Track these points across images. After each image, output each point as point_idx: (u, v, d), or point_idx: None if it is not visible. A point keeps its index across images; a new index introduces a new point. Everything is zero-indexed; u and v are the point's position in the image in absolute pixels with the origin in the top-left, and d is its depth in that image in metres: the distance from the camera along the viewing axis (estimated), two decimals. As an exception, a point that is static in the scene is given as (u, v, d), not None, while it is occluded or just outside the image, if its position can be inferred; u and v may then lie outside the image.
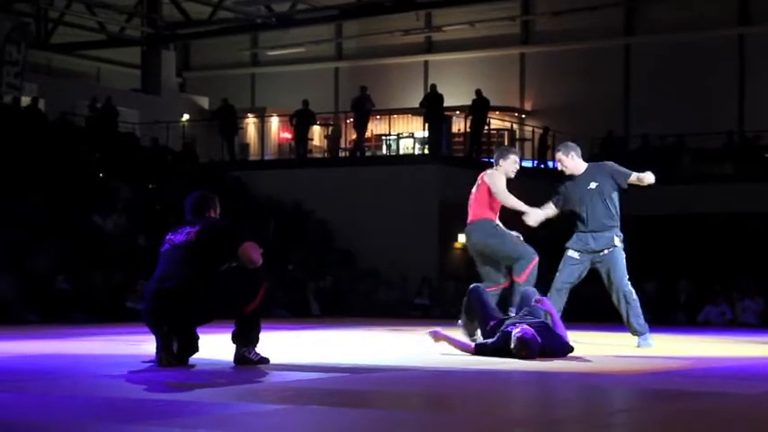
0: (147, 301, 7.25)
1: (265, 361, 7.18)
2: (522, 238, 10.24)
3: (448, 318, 19.85)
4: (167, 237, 7.29)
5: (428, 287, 21.67)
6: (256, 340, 7.19)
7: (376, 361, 8.14)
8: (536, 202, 10.29)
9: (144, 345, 9.69)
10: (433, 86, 25.37)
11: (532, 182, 23.97)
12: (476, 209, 10.23)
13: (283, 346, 9.74)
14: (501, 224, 10.30)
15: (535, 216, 10.10)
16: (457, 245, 23.36)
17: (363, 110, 24.90)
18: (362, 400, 5.69)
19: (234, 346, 7.20)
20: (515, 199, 10.10)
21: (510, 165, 10.23)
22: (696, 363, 8.53)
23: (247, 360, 7.11)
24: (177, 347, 7.10)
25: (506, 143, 29.05)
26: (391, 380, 6.87)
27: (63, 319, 15.64)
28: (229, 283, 7.03)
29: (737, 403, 5.69)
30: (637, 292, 9.91)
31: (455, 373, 7.21)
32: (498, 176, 10.16)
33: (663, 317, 18.97)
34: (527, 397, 6.08)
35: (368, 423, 4.76)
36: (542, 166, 26.67)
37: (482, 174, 10.31)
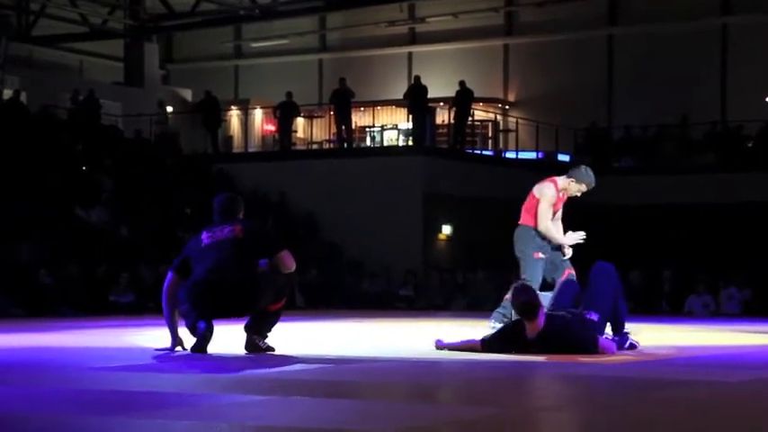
0: (198, 288, 7.49)
1: (272, 349, 7.61)
2: (565, 252, 10.10)
3: (432, 309, 19.93)
4: (204, 234, 7.68)
5: (413, 278, 21.68)
6: (267, 332, 7.69)
7: (361, 352, 8.15)
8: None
9: (127, 337, 9.69)
10: (417, 78, 25.35)
11: (518, 171, 24.08)
12: (523, 213, 10.21)
13: (268, 337, 9.73)
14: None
15: (569, 240, 10.11)
16: (441, 236, 23.38)
17: (346, 101, 24.86)
18: (347, 390, 5.70)
19: (245, 334, 7.63)
20: (552, 227, 10.02)
21: (575, 188, 10.12)
22: (679, 352, 8.58)
23: (257, 347, 7.56)
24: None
25: (490, 134, 29.13)
26: (376, 370, 6.88)
27: (48, 312, 15.59)
28: (270, 283, 7.58)
29: (720, 391, 5.72)
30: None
31: (441, 364, 7.23)
32: (549, 194, 10.03)
33: (647, 306, 19.05)
34: (512, 386, 6.10)
35: (353, 414, 4.77)
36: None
37: (543, 182, 10.16)
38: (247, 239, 7.56)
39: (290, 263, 7.61)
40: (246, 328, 7.65)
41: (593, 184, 10.14)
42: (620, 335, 7.98)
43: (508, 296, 10.01)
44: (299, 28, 32.10)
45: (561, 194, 10.20)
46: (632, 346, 8.02)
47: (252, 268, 7.55)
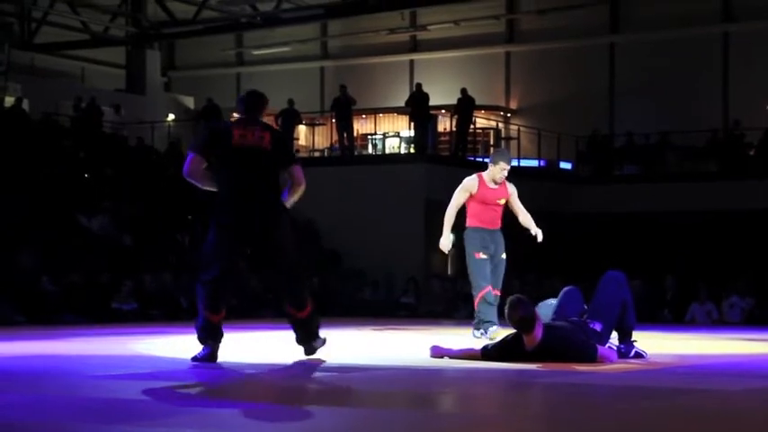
0: (227, 233, 7.48)
1: (324, 341, 7.88)
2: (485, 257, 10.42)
3: (434, 317, 19.91)
4: (235, 129, 7.54)
5: (414, 286, 21.66)
6: (317, 332, 7.86)
7: (363, 360, 8.14)
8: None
9: (130, 345, 9.69)
10: (419, 85, 25.36)
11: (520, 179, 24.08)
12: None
13: (270, 345, 9.74)
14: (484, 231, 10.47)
15: (442, 243, 10.66)
16: (443, 244, 23.33)
17: (347, 109, 24.87)
18: (350, 399, 5.70)
19: (301, 347, 7.84)
20: (449, 218, 10.56)
21: (497, 170, 10.49)
22: (681, 360, 8.57)
23: (313, 349, 7.79)
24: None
25: (492, 142, 29.12)
26: (379, 379, 6.88)
27: (50, 319, 15.58)
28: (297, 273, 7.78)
29: (720, 399, 5.72)
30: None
31: (444, 372, 7.22)
32: (465, 183, 10.58)
33: (649, 315, 19.02)
34: (512, 395, 6.10)
35: (355, 422, 4.77)
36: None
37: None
38: (273, 150, 7.54)
39: (301, 177, 7.70)
40: (298, 342, 7.82)
41: (507, 159, 10.70)
42: (627, 343, 7.94)
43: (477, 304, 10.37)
44: (301, 35, 32.14)
45: (495, 186, 10.60)
46: (638, 355, 7.97)
47: (278, 189, 7.58)
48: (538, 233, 10.72)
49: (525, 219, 10.88)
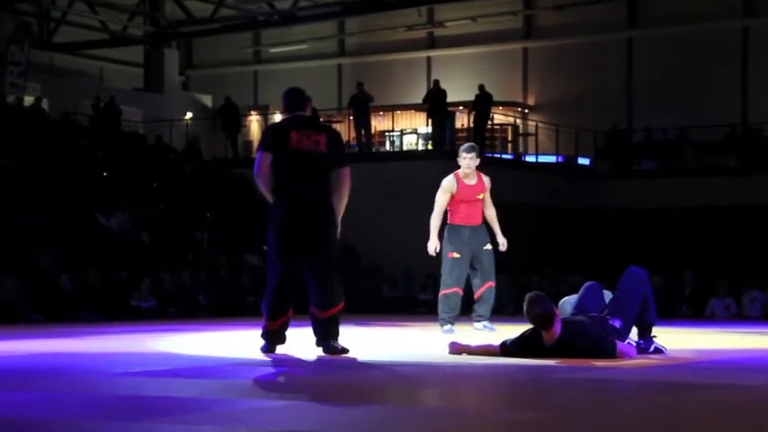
0: (285, 236, 7.74)
1: (346, 350, 7.78)
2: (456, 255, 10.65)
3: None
4: (292, 131, 7.71)
5: (433, 283, 21.63)
6: (337, 334, 7.86)
7: (382, 357, 8.14)
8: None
9: (149, 342, 9.71)
10: (436, 82, 25.34)
11: (538, 175, 24.04)
12: None
13: (288, 342, 9.75)
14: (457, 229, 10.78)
15: (429, 246, 10.94)
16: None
17: (364, 106, 24.87)
18: (367, 395, 5.70)
19: (324, 350, 7.85)
20: (435, 222, 10.83)
21: (463, 165, 10.69)
22: (700, 355, 8.54)
23: (334, 349, 7.75)
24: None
25: (510, 138, 29.07)
26: (399, 375, 6.87)
27: (69, 317, 15.65)
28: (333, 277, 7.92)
29: (741, 395, 5.69)
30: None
31: (462, 368, 7.21)
32: (442, 185, 10.81)
33: (668, 310, 18.95)
34: (532, 391, 6.08)
35: (373, 419, 4.76)
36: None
37: None
38: (328, 152, 7.71)
39: (348, 180, 7.89)
40: (318, 343, 7.86)
41: (466, 148, 10.89)
42: (647, 339, 7.92)
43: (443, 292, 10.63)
44: (318, 33, 32.15)
45: (471, 182, 10.77)
46: (658, 351, 7.95)
47: (329, 192, 7.75)
48: (503, 243, 10.95)
49: (491, 216, 11.05)
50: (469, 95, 25.50)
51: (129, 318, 16.15)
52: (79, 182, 20.59)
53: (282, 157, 7.66)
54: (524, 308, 7.35)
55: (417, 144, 27.61)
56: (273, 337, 7.90)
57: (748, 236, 22.50)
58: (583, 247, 22.59)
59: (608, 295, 7.85)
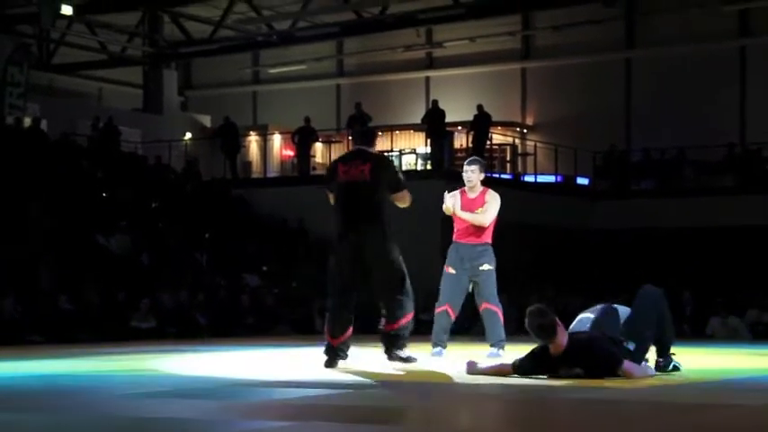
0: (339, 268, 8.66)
1: (413, 360, 8.55)
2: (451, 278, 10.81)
3: (451, 333, 19.81)
4: (339, 165, 8.67)
5: (433, 303, 21.60)
6: (405, 344, 8.65)
7: (381, 377, 8.12)
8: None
9: (149, 363, 9.68)
10: (435, 102, 25.37)
11: (537, 195, 24.04)
12: None
13: (288, 362, 9.73)
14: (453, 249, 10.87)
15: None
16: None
17: (362, 126, 24.89)
18: (371, 416, 5.68)
19: (388, 359, 8.66)
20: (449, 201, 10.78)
21: (464, 176, 10.87)
22: (706, 375, 8.51)
23: (398, 357, 8.53)
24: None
25: (509, 158, 29.09)
26: (401, 395, 6.85)
27: (68, 339, 15.59)
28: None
29: (743, 414, 5.67)
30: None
31: (460, 387, 7.19)
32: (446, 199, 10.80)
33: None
34: (544, 412, 6.06)
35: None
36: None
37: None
38: (372, 179, 8.39)
39: (405, 201, 8.81)
40: (386, 353, 8.66)
41: (466, 164, 11.05)
42: (665, 357, 7.97)
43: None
44: (317, 53, 32.21)
45: (472, 196, 10.90)
46: (675, 368, 8.02)
47: (379, 215, 8.47)
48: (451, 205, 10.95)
49: (479, 216, 10.81)
50: (468, 115, 25.53)
51: (129, 338, 16.10)
52: (78, 202, 20.58)
53: (334, 189, 8.57)
54: (526, 322, 7.37)
55: (416, 164, 27.63)
56: (332, 353, 8.50)
57: (747, 255, 22.49)
58: (581, 267, 22.57)
59: (624, 311, 7.80)
